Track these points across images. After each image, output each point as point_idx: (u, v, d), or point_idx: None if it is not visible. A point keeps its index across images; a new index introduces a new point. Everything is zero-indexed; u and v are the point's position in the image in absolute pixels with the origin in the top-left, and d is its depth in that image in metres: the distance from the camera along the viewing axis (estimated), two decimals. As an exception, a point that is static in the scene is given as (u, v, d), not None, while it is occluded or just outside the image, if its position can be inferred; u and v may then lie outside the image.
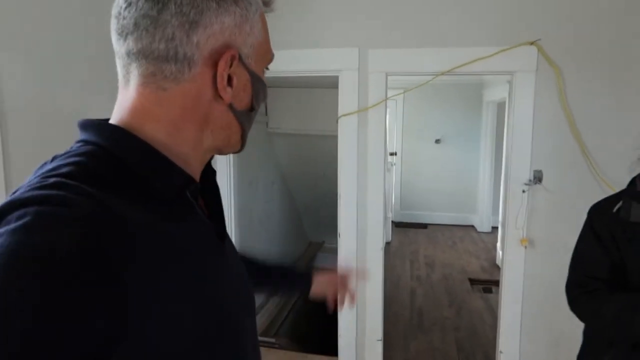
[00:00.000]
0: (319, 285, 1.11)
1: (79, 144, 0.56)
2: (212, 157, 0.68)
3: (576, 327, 2.53)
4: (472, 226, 6.91)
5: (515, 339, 2.70)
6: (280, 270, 1.18)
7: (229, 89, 0.58)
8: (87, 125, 0.57)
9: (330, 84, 3.11)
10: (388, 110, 2.97)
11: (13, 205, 0.44)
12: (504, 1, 2.51)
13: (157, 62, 0.55)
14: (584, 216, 2.50)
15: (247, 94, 0.62)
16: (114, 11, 0.56)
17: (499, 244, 5.41)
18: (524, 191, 2.56)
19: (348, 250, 2.83)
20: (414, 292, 4.55)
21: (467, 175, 6.81)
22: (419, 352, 3.37)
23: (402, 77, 3.13)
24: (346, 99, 2.69)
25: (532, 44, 2.46)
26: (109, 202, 0.48)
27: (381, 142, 2.68)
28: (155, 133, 0.57)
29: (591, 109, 2.48)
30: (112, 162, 0.54)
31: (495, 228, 6.34)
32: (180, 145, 0.58)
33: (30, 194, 0.46)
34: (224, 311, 0.61)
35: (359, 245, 2.82)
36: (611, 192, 2.41)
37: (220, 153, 0.66)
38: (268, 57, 0.65)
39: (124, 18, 0.55)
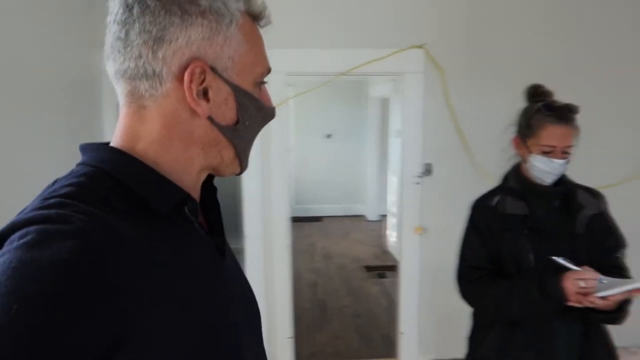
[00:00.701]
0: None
1: (78, 167, 0.58)
2: (212, 177, 0.69)
3: (464, 304, 2.85)
4: (362, 216, 7.29)
5: (413, 320, 2.93)
6: None
7: (203, 103, 0.58)
8: (87, 148, 0.59)
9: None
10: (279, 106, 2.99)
11: (15, 227, 0.47)
12: (395, 6, 2.67)
13: (131, 80, 0.57)
14: (468, 202, 2.82)
15: (230, 108, 0.60)
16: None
17: (388, 231, 5.79)
18: (417, 183, 2.78)
19: (254, 251, 2.81)
20: (315, 284, 4.67)
21: (355, 168, 7.16)
22: (324, 344, 3.47)
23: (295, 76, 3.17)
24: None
25: (419, 47, 2.67)
26: (107, 218, 0.49)
27: (285, 142, 2.70)
28: (147, 152, 0.58)
29: (471, 107, 2.77)
30: (109, 181, 0.55)
31: (383, 216, 6.76)
32: (171, 164, 0.59)
33: (31, 214, 0.48)
34: (221, 326, 0.60)
35: (266, 245, 2.82)
36: (489, 183, 2.77)
37: (219, 174, 0.66)
38: (258, 70, 0.63)
39: (105, 44, 0.58)
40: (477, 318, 1.55)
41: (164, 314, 0.51)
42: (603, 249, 1.39)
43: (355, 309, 4.11)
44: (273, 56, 2.63)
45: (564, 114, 1.36)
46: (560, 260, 1.27)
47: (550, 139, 1.35)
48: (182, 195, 0.58)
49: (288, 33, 2.61)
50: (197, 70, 0.56)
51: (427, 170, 2.80)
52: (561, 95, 1.49)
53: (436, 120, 2.77)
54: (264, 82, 0.66)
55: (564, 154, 1.36)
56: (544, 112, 1.37)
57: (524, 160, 1.44)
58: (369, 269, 5.07)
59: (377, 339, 3.51)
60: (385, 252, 5.62)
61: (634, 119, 2.89)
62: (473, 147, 2.80)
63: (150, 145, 0.58)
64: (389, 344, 3.28)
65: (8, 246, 0.45)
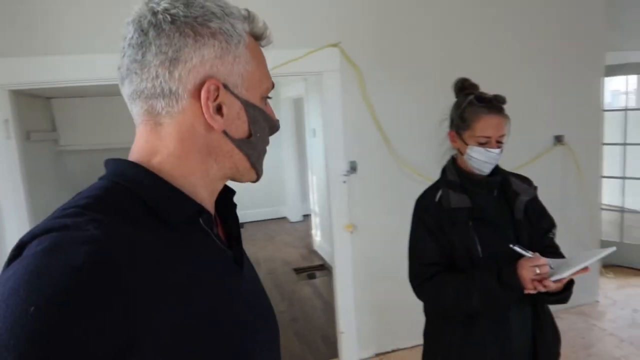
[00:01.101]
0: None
1: (99, 181, 0.62)
2: (233, 193, 0.74)
3: (399, 294, 2.92)
4: (285, 217, 7.23)
5: (352, 318, 2.93)
6: None
7: (218, 118, 0.61)
8: (108, 162, 0.63)
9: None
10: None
11: (34, 235, 0.50)
12: (307, 5, 2.63)
13: (148, 100, 0.60)
14: (395, 198, 2.90)
15: (242, 121, 0.64)
16: (117, 65, 0.62)
17: (312, 231, 5.79)
18: (344, 182, 2.78)
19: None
20: (245, 294, 4.53)
21: (273, 169, 7.05)
22: (264, 353, 3.37)
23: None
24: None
25: (335, 46, 2.66)
26: (120, 227, 0.52)
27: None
28: (163, 166, 0.62)
29: (388, 103, 2.82)
30: (125, 194, 0.58)
31: (306, 216, 6.76)
32: (187, 175, 0.63)
33: (50, 223, 0.51)
34: (236, 338, 0.62)
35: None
36: (412, 175, 2.87)
37: (236, 180, 0.70)
38: (264, 85, 0.67)
39: (120, 67, 0.61)
40: (430, 312, 1.54)
41: (176, 321, 0.52)
42: (538, 232, 1.46)
43: (291, 313, 4.04)
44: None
45: (495, 104, 1.40)
46: (517, 248, 1.30)
47: (485, 129, 1.38)
48: (194, 207, 0.61)
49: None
50: (212, 88, 0.60)
51: (352, 168, 2.81)
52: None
53: (356, 117, 2.79)
54: (269, 97, 0.70)
55: (498, 143, 1.40)
56: (476, 104, 1.40)
57: (461, 153, 1.46)
58: (298, 270, 5.03)
59: (318, 341, 3.48)
60: (312, 252, 5.61)
61: (541, 102, 3.14)
62: (394, 141, 2.86)
63: (167, 159, 0.62)
64: (330, 345, 3.26)
65: (27, 252, 0.49)
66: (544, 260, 1.25)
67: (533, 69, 3.12)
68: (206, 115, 0.60)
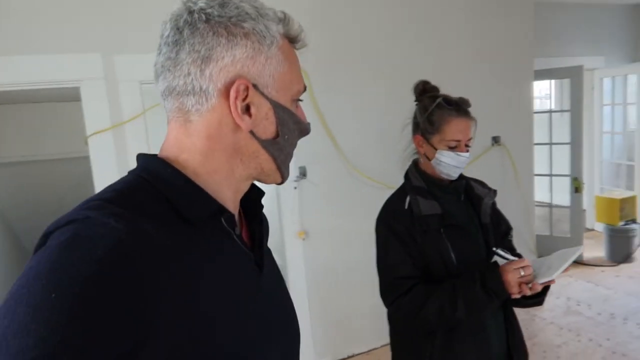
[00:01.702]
0: None
1: (128, 175, 0.63)
2: (262, 195, 0.74)
3: (353, 299, 2.92)
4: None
5: (306, 325, 2.87)
6: None
7: (246, 117, 0.62)
8: (139, 157, 0.64)
9: (62, 97, 2.59)
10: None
11: (58, 225, 0.52)
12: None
13: (179, 97, 0.61)
14: (346, 202, 2.89)
15: (270, 122, 0.64)
16: (154, 62, 0.64)
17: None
18: (295, 188, 2.73)
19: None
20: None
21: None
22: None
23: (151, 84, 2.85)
24: (94, 114, 2.29)
25: (281, 49, 2.61)
26: (139, 222, 0.53)
27: (146, 159, 2.39)
28: (189, 163, 0.62)
29: (337, 106, 2.82)
30: (149, 189, 0.59)
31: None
32: (212, 173, 0.63)
33: (73, 214, 0.52)
34: (246, 340, 0.61)
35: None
36: (363, 179, 2.87)
37: (261, 181, 0.69)
38: (295, 87, 0.67)
39: (155, 64, 0.63)
40: (407, 329, 1.41)
41: (188, 317, 0.53)
42: (498, 235, 1.46)
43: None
44: (123, 63, 2.32)
45: (463, 106, 1.36)
46: (500, 252, 1.28)
47: (455, 133, 1.34)
48: (214, 206, 0.61)
49: (148, 38, 2.32)
50: (241, 87, 0.60)
51: (302, 174, 2.77)
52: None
53: (305, 121, 2.75)
54: (300, 100, 0.69)
55: (467, 147, 1.36)
56: (445, 107, 1.35)
57: (428, 158, 1.39)
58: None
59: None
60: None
61: (480, 106, 3.26)
62: (344, 145, 2.85)
63: (193, 156, 0.62)
64: (284, 355, 3.18)
65: (50, 242, 0.50)
66: (527, 262, 1.23)
67: (472, 74, 3.24)
68: (234, 114, 0.61)
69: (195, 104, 0.61)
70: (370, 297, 2.83)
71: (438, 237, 1.33)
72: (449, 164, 1.35)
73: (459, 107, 1.35)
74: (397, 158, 1.55)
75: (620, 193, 4.50)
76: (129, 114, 2.33)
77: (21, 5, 2.12)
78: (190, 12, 0.60)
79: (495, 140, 3.44)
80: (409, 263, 1.32)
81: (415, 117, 1.44)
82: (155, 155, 0.64)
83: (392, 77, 2.94)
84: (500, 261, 1.28)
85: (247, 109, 0.61)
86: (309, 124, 0.72)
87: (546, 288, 1.27)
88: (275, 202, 2.91)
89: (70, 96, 2.32)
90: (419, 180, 1.41)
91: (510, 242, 1.48)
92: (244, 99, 0.61)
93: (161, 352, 0.49)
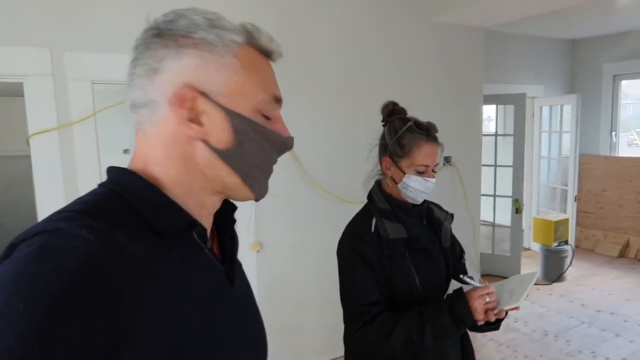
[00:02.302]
0: None
1: (98, 187, 0.62)
2: (234, 209, 0.74)
3: (304, 312, 2.89)
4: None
5: (256, 341, 2.80)
6: None
7: (194, 126, 0.61)
8: (109, 170, 0.64)
9: (2, 92, 2.39)
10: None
11: (26, 236, 0.50)
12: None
13: (136, 109, 0.63)
14: (302, 215, 2.86)
15: (226, 132, 0.62)
16: None
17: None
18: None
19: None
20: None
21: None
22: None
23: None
24: (38, 113, 2.13)
25: (243, 58, 2.56)
26: (112, 233, 0.52)
27: (94, 162, 2.25)
28: (156, 175, 0.62)
29: (296, 117, 2.79)
30: (120, 201, 0.59)
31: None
32: (172, 185, 0.62)
33: (42, 225, 0.51)
34: (216, 353, 0.62)
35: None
36: (319, 192, 2.87)
37: (232, 198, 0.68)
38: (259, 97, 0.64)
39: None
40: (369, 357, 1.34)
41: (159, 331, 0.52)
42: (455, 258, 1.47)
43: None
44: (74, 61, 2.19)
45: (432, 131, 1.36)
46: (466, 279, 1.29)
47: (425, 158, 1.33)
48: (186, 220, 0.61)
49: (103, 36, 2.19)
50: (188, 96, 0.60)
51: (259, 184, 2.71)
52: (372, 106, 1.50)
53: (264, 132, 2.71)
54: (272, 111, 0.67)
55: (433, 172, 1.36)
56: (416, 131, 1.33)
57: (395, 181, 1.37)
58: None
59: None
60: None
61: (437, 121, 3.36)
62: (302, 157, 2.83)
63: (155, 168, 0.62)
64: (230, 371, 3.08)
65: (17, 253, 0.49)
66: (492, 288, 1.24)
67: (428, 96, 3.35)
68: (180, 122, 0.60)
69: (148, 115, 0.62)
70: (322, 311, 2.83)
71: (404, 262, 1.31)
72: (416, 188, 1.34)
73: (429, 132, 1.35)
74: (356, 173, 1.54)
75: (555, 215, 4.79)
76: (78, 115, 2.19)
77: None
78: (145, 30, 0.62)
79: (447, 160, 3.55)
80: (375, 289, 1.29)
81: (383, 139, 1.42)
82: (125, 169, 0.64)
83: (351, 94, 2.98)
84: (465, 287, 1.29)
85: (196, 117, 0.61)
86: (288, 138, 0.69)
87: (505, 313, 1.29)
88: (229, 213, 2.83)
89: (14, 91, 2.14)
90: (384, 203, 1.38)
91: (464, 265, 1.50)
92: (194, 108, 0.60)
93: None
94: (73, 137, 2.19)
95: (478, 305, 1.21)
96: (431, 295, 1.34)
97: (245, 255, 2.72)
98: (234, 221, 0.75)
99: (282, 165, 2.72)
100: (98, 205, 0.57)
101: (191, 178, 0.63)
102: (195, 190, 0.64)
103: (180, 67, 0.60)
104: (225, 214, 0.72)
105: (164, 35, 0.61)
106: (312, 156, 2.87)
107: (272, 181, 2.31)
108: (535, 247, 5.16)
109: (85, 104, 2.20)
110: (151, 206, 0.59)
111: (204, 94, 0.61)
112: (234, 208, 0.74)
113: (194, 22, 0.61)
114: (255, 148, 0.65)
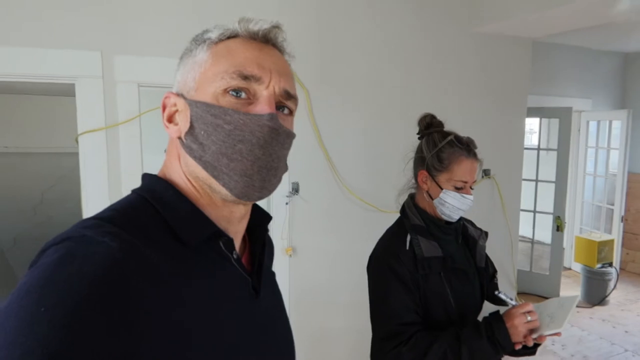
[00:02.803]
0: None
1: (130, 194, 0.63)
2: (269, 219, 0.75)
3: (337, 320, 2.87)
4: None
5: (284, 345, 2.81)
6: None
7: (171, 125, 0.64)
8: (144, 177, 0.66)
9: (55, 92, 2.52)
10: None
11: (55, 242, 0.52)
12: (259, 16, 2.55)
13: None
14: (336, 222, 2.86)
15: (185, 121, 0.63)
16: None
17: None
18: (287, 203, 2.70)
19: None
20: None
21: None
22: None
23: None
24: (88, 113, 2.23)
25: (284, 64, 2.60)
26: (136, 242, 0.53)
27: (138, 162, 2.33)
28: (177, 182, 0.64)
29: (335, 126, 2.81)
30: (149, 210, 0.60)
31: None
32: (189, 192, 0.63)
33: (69, 232, 0.53)
34: None
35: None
36: (354, 200, 2.86)
37: (240, 202, 0.65)
38: (220, 79, 0.61)
39: None
40: None
41: (176, 337, 0.53)
42: (488, 277, 1.43)
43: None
44: (123, 64, 2.27)
45: (472, 147, 1.32)
46: (502, 296, 1.25)
47: (464, 174, 1.29)
48: (210, 229, 0.61)
49: (143, 39, 2.28)
50: (170, 101, 0.65)
51: (295, 189, 2.74)
52: (410, 116, 1.45)
53: (301, 138, 2.72)
54: (241, 90, 0.61)
55: (471, 189, 1.32)
56: (456, 145, 1.30)
57: (430, 196, 1.34)
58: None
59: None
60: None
61: (476, 133, 3.30)
62: (338, 165, 2.84)
63: (175, 175, 0.65)
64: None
65: (44, 259, 0.50)
66: (531, 306, 1.19)
67: (468, 106, 3.29)
68: (164, 125, 0.66)
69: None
70: (353, 318, 2.81)
71: (439, 281, 1.28)
72: (453, 205, 1.30)
73: (469, 147, 1.32)
74: (390, 183, 1.50)
75: (600, 236, 4.58)
76: (124, 116, 2.28)
77: (25, -5, 2.07)
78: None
79: (486, 173, 3.47)
80: (412, 309, 1.25)
81: (420, 151, 1.38)
82: (157, 176, 0.65)
83: (390, 103, 2.96)
84: (501, 309, 1.24)
85: (174, 117, 0.65)
86: (261, 115, 0.60)
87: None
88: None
89: (64, 91, 2.25)
90: (418, 219, 1.34)
91: (496, 285, 1.44)
92: (170, 110, 0.65)
93: None
94: (119, 137, 2.28)
95: (519, 324, 1.16)
96: (466, 316, 1.30)
97: (278, 260, 2.75)
98: (266, 230, 0.75)
99: (319, 171, 2.75)
100: (126, 213, 0.58)
101: (194, 184, 0.65)
102: (204, 196, 0.63)
103: (176, 83, 0.67)
104: (257, 223, 0.72)
105: (184, 56, 0.68)
106: (349, 163, 2.87)
107: (308, 186, 2.28)
108: (577, 267, 4.94)
109: (132, 106, 2.29)
110: (178, 215, 0.60)
111: (180, 95, 0.64)
112: (269, 218, 0.74)
113: (195, 38, 0.67)
114: (213, 132, 0.59)
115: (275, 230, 2.71)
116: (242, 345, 0.62)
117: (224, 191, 0.61)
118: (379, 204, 2.85)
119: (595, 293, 4.37)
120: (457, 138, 1.32)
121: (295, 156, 2.72)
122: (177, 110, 0.64)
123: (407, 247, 1.30)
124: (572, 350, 3.46)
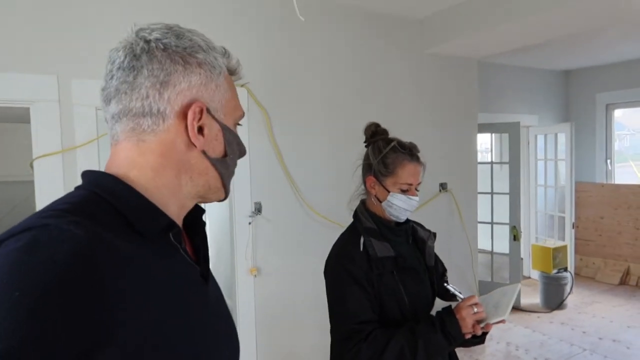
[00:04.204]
0: None
1: (76, 190, 0.64)
2: (203, 211, 0.79)
3: (302, 339, 2.87)
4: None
5: (252, 366, 2.78)
6: None
7: (200, 137, 0.67)
8: (86, 174, 0.66)
9: (8, 118, 2.47)
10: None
11: (13, 232, 0.52)
12: (218, 40, 2.61)
13: (135, 118, 0.65)
14: (300, 240, 2.89)
15: (219, 142, 0.70)
16: (101, 87, 0.67)
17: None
18: (249, 223, 2.71)
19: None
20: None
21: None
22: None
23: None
24: (43, 137, 2.19)
25: (242, 86, 2.66)
26: (99, 230, 0.55)
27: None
28: (139, 179, 0.65)
29: (295, 145, 2.87)
30: (102, 203, 0.61)
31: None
32: (160, 189, 0.66)
33: (28, 222, 0.53)
34: (197, 346, 0.63)
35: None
36: (317, 217, 2.90)
37: (204, 200, 0.74)
38: (237, 113, 0.74)
39: (107, 88, 0.66)
40: None
41: (145, 327, 0.55)
42: (438, 275, 1.51)
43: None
44: (80, 87, 2.25)
45: (414, 151, 1.41)
46: (451, 288, 1.33)
47: (408, 177, 1.37)
48: (166, 222, 0.64)
49: (100, 62, 2.28)
50: (197, 110, 0.66)
51: (257, 209, 2.76)
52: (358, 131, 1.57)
53: (262, 158, 2.77)
54: (239, 124, 0.76)
55: (417, 190, 1.41)
56: (399, 150, 1.38)
57: (379, 200, 1.41)
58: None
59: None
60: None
61: (429, 154, 3.43)
62: (300, 183, 2.88)
63: (143, 172, 0.65)
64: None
65: (5, 248, 0.50)
66: (477, 299, 1.26)
67: (422, 123, 3.43)
68: (191, 134, 0.66)
69: (151, 125, 0.65)
70: (318, 336, 2.80)
71: (393, 280, 1.34)
72: (400, 206, 1.38)
73: (412, 151, 1.40)
74: (342, 195, 1.57)
75: (554, 242, 4.80)
76: (81, 139, 2.25)
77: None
78: (147, 41, 0.65)
79: (443, 186, 3.60)
80: (368, 308, 1.31)
81: (367, 159, 1.46)
82: (104, 172, 0.66)
83: (345, 122, 3.06)
84: (453, 304, 1.32)
85: (200, 130, 0.67)
86: (244, 147, 0.79)
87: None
88: (229, 237, 2.86)
89: (17, 117, 2.21)
90: (370, 222, 1.41)
91: (446, 280, 1.51)
92: (198, 120, 0.66)
93: (119, 354, 0.51)
94: (76, 160, 2.25)
95: (467, 316, 1.23)
96: (419, 312, 1.36)
97: (243, 280, 2.73)
98: (203, 223, 0.79)
99: (281, 191, 2.78)
100: (82, 205, 0.59)
101: (180, 182, 0.68)
102: (182, 193, 0.69)
103: (189, 83, 0.66)
104: (194, 215, 0.76)
105: (170, 50, 0.65)
106: (310, 182, 2.93)
107: (270, 206, 2.35)
108: (535, 275, 5.14)
109: (89, 129, 2.27)
110: (133, 208, 0.62)
111: (207, 110, 0.68)
112: (202, 211, 0.79)
113: (196, 43, 0.67)
114: (235, 157, 0.75)
115: (239, 251, 2.70)
116: (204, 329, 0.66)
117: (222, 197, 0.74)
118: (342, 221, 2.89)
119: (554, 298, 4.54)
120: (400, 144, 1.40)
121: (256, 176, 2.75)
122: (203, 124, 0.67)
123: (361, 249, 1.36)
124: (535, 354, 3.57)
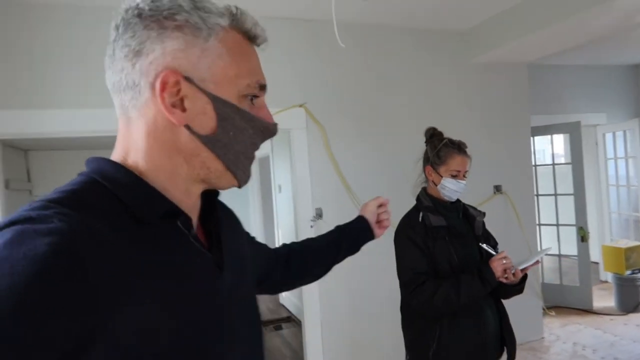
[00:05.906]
0: (369, 216, 1.24)
1: (77, 177, 0.61)
2: (217, 194, 0.73)
3: (371, 335, 3.10)
4: (249, 274, 7.26)
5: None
6: (338, 235, 1.22)
7: (177, 111, 0.60)
8: (89, 160, 0.63)
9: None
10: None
11: (0, 227, 0.50)
12: (278, 70, 2.99)
13: (117, 93, 0.62)
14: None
15: (209, 117, 0.61)
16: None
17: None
18: (311, 226, 3.05)
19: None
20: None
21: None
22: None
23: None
24: None
25: (300, 106, 3.03)
26: (88, 221, 0.52)
27: None
28: (137, 162, 0.62)
29: (349, 154, 3.19)
30: (101, 190, 0.58)
31: (270, 271, 6.81)
32: (156, 173, 0.62)
33: (14, 216, 0.51)
34: (201, 341, 0.60)
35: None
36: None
37: (213, 186, 0.67)
38: (244, 82, 0.64)
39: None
40: (418, 316, 1.75)
41: (138, 320, 0.53)
42: (490, 246, 1.86)
43: (258, 363, 4.09)
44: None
45: (462, 146, 1.81)
46: (484, 247, 1.72)
47: (457, 165, 1.77)
48: (167, 206, 0.60)
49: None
50: (171, 80, 0.59)
51: (318, 214, 3.10)
52: (420, 140, 1.91)
53: (321, 168, 3.12)
54: (256, 97, 0.66)
55: (464, 177, 1.80)
56: (450, 145, 1.80)
57: (435, 184, 1.82)
58: (265, 323, 5.10)
59: (286, 386, 3.56)
60: (279, 305, 5.70)
61: (482, 157, 3.59)
62: (355, 188, 3.19)
63: (137, 154, 0.62)
64: (299, 388, 3.35)
65: None
66: (506, 253, 1.66)
67: (475, 130, 3.59)
68: (162, 107, 0.59)
69: (131, 99, 0.60)
70: (380, 327, 3.04)
71: (444, 244, 1.74)
72: (452, 188, 1.78)
73: (459, 146, 1.81)
74: (405, 200, 1.92)
75: (626, 242, 4.64)
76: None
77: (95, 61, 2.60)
78: (125, 10, 0.60)
79: (497, 189, 3.72)
80: (423, 263, 1.71)
81: (426, 153, 1.89)
82: (104, 158, 0.62)
83: (397, 133, 3.32)
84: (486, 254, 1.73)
85: (181, 103, 0.60)
86: (273, 124, 0.68)
87: (524, 279, 1.70)
88: (294, 239, 3.21)
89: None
90: (428, 201, 1.83)
91: (496, 250, 1.87)
92: (177, 93, 0.59)
93: (105, 351, 0.49)
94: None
95: (498, 265, 1.63)
96: (465, 269, 1.73)
97: (308, 285, 3.05)
98: (215, 206, 0.73)
99: (339, 196, 3.10)
100: (76, 194, 0.56)
101: (175, 165, 0.62)
102: (179, 178, 0.63)
103: (163, 50, 0.59)
104: (205, 199, 0.71)
105: (144, 15, 0.59)
106: (364, 184, 3.22)
107: (330, 211, 2.84)
108: (610, 277, 4.97)
109: None
110: (131, 193, 0.59)
111: (187, 79, 0.59)
112: (217, 193, 0.73)
113: (177, 3, 0.59)
114: (240, 134, 0.64)
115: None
116: (210, 322, 0.63)
117: (233, 182, 0.67)
118: (393, 221, 3.15)
119: (628, 300, 4.39)
120: (450, 140, 1.83)
121: (317, 184, 3.10)
122: (183, 96, 0.60)
123: (420, 220, 1.78)
124: (604, 353, 3.53)
